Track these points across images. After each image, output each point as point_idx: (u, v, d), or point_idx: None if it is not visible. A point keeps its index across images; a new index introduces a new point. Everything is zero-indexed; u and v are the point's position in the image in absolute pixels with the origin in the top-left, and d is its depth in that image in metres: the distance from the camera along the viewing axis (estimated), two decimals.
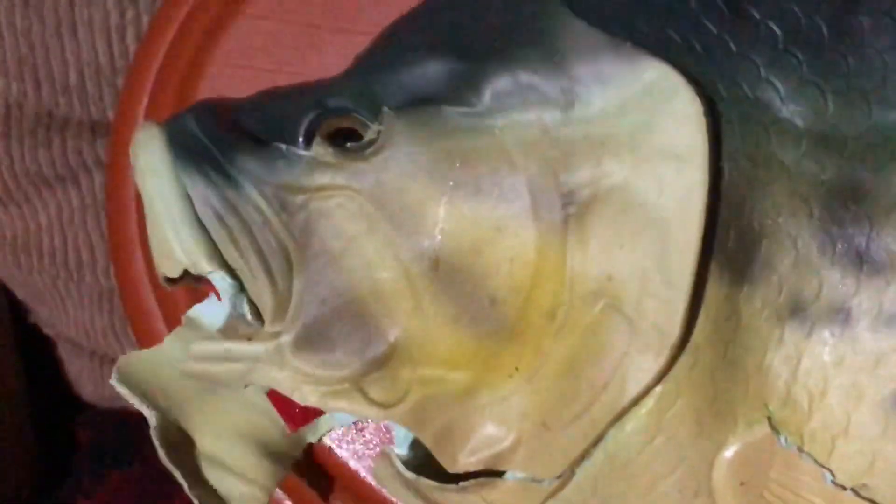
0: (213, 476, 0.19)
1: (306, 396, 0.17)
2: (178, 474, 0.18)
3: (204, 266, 0.17)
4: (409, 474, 0.18)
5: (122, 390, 0.19)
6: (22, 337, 0.35)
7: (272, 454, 0.19)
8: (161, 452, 0.18)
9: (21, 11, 0.28)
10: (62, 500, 0.33)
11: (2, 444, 0.32)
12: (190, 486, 0.18)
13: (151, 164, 0.17)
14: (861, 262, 0.17)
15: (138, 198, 0.20)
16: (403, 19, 0.19)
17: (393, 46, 0.19)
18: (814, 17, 0.18)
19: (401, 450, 0.18)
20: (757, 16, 0.18)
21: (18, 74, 0.29)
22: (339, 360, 0.17)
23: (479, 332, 0.17)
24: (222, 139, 0.17)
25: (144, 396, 0.19)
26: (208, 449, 0.18)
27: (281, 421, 0.19)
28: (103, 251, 0.30)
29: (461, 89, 0.17)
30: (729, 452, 0.17)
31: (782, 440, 0.17)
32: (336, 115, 0.18)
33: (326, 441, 0.21)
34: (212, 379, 0.18)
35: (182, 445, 0.18)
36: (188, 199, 0.17)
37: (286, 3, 0.23)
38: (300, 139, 0.17)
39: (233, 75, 0.23)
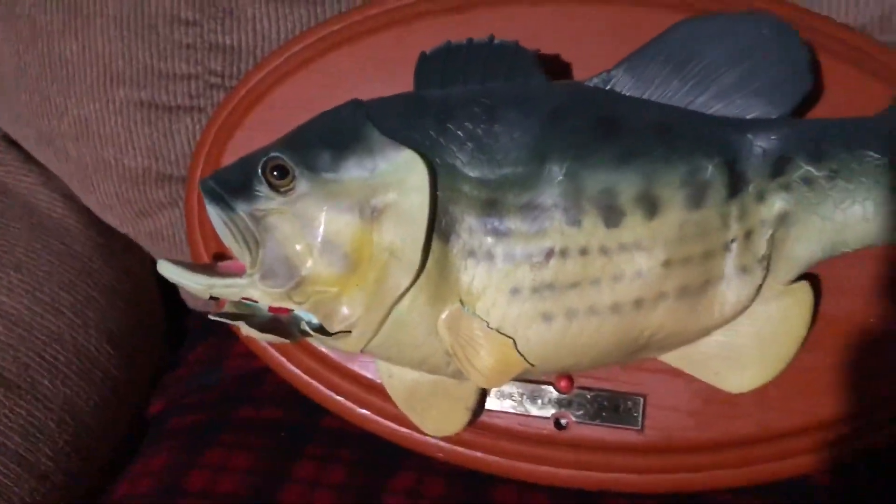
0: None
1: (265, 301, 0.35)
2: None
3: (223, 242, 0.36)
4: (311, 330, 0.35)
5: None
6: None
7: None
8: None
9: None
10: None
11: None
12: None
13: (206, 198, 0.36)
14: (496, 231, 0.34)
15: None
16: (304, 127, 0.37)
17: (301, 136, 0.36)
18: (478, 127, 0.35)
19: (311, 320, 0.36)
20: (458, 131, 0.35)
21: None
22: (278, 284, 0.35)
23: (340, 269, 0.34)
24: (227, 187, 0.35)
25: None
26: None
27: None
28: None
29: (329, 162, 0.34)
30: (444, 315, 0.35)
31: (466, 309, 0.35)
32: (273, 157, 0.35)
33: None
34: (225, 295, 0.36)
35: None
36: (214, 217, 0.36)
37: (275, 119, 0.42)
38: (258, 183, 0.35)
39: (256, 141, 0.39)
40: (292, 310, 0.36)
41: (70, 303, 0.48)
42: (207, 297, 0.36)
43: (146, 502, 0.42)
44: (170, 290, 0.56)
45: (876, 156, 0.33)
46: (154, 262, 0.53)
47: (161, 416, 0.50)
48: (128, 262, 0.53)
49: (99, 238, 0.52)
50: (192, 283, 0.36)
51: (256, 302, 0.36)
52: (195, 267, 0.37)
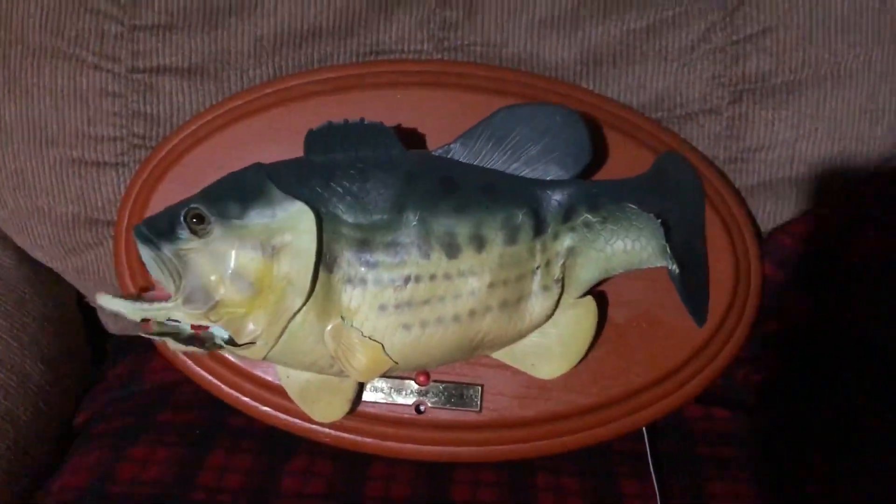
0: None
1: (187, 320, 0.42)
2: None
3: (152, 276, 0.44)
4: (224, 343, 0.43)
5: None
6: None
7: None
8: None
9: None
10: None
11: None
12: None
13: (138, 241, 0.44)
14: (368, 263, 0.43)
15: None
16: (217, 183, 0.47)
17: (215, 191, 0.44)
18: (353, 185, 0.46)
19: (224, 335, 0.43)
20: (338, 188, 0.43)
21: None
22: (198, 307, 0.41)
23: (247, 295, 0.42)
24: (156, 231, 0.42)
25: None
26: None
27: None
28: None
29: (238, 211, 0.41)
30: (329, 328, 0.43)
31: (347, 323, 0.43)
32: (193, 207, 0.42)
33: None
34: (154, 317, 0.42)
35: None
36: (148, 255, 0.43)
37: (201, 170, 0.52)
38: (180, 228, 0.42)
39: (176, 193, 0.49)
40: (209, 327, 0.43)
41: (7, 328, 0.55)
42: (139, 320, 0.43)
43: (82, 492, 0.49)
44: (91, 317, 0.63)
45: (633, 206, 0.46)
46: (79, 293, 0.62)
47: (87, 424, 0.57)
48: (56, 292, 0.60)
49: (30, 273, 0.59)
50: (128, 310, 0.42)
51: (179, 322, 0.43)
52: (128, 297, 0.44)
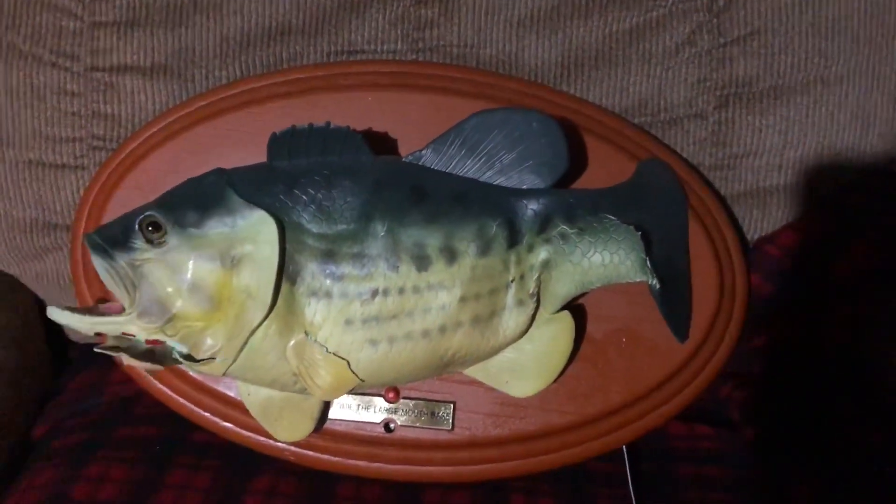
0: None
1: (142, 335, 0.40)
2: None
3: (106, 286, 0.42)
4: (181, 358, 0.41)
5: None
6: None
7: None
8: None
9: None
10: None
11: None
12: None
13: (90, 250, 0.41)
14: (333, 275, 0.42)
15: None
16: (175, 190, 0.45)
17: (172, 199, 0.42)
18: (318, 192, 0.43)
19: (181, 350, 0.41)
20: (302, 195, 0.41)
21: None
22: (153, 321, 0.40)
23: (205, 308, 0.40)
24: (109, 240, 0.40)
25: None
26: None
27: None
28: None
29: (195, 219, 0.40)
30: (292, 343, 0.41)
31: (310, 338, 0.42)
32: (149, 215, 0.40)
33: None
34: (107, 331, 0.41)
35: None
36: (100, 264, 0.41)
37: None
38: (136, 226, 0.40)
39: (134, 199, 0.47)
40: (165, 341, 0.41)
41: None
42: (93, 333, 0.41)
43: None
44: (53, 324, 0.61)
45: (612, 218, 0.44)
46: (39, 300, 0.59)
47: (45, 438, 0.55)
48: (14, 300, 0.58)
49: None
50: (79, 324, 0.40)
51: (135, 336, 0.41)
52: (80, 310, 0.41)
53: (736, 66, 0.52)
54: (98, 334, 0.42)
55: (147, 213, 0.41)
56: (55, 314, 0.41)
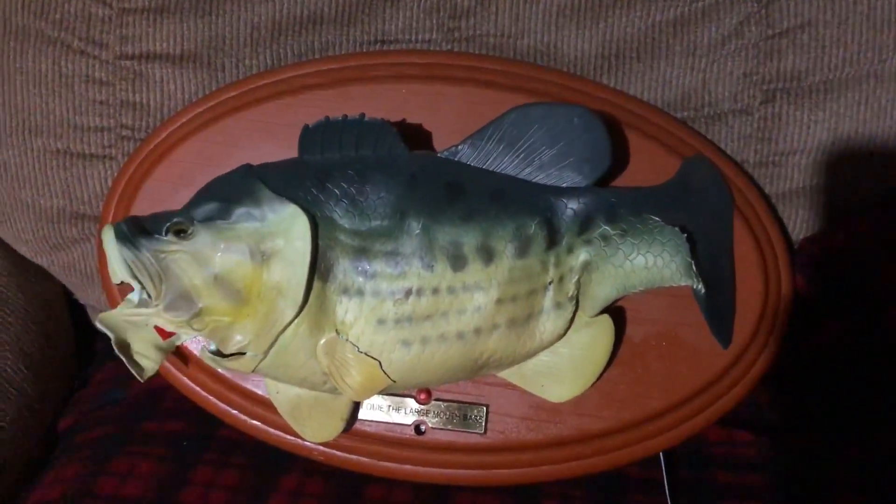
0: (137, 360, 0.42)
1: (168, 327, 0.40)
2: (124, 359, 0.42)
3: (129, 280, 0.39)
4: (211, 356, 0.41)
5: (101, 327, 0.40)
6: None
7: (161, 349, 0.41)
8: (116, 348, 0.40)
9: None
10: None
11: None
12: (129, 364, 0.40)
13: (107, 242, 0.39)
14: (365, 273, 0.41)
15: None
16: (203, 189, 0.45)
17: (199, 196, 0.42)
18: (351, 187, 0.42)
19: (211, 347, 0.41)
20: (335, 190, 0.41)
21: None
22: (180, 314, 0.39)
23: (233, 302, 0.40)
24: (135, 232, 0.39)
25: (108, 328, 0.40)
26: (136, 350, 0.41)
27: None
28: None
29: (222, 213, 0.40)
30: (322, 342, 0.40)
31: (340, 337, 0.41)
32: (177, 222, 0.40)
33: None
34: (135, 322, 0.40)
35: (125, 347, 0.40)
36: (121, 255, 0.40)
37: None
38: (164, 232, 0.39)
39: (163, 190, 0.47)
40: (175, 332, 0.41)
41: None
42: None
43: None
44: (79, 313, 0.61)
45: (655, 219, 0.42)
46: (66, 290, 0.58)
47: (71, 430, 0.54)
48: (40, 289, 0.58)
49: (13, 268, 0.56)
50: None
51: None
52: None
53: (784, 59, 0.50)
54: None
55: (175, 219, 0.40)
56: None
